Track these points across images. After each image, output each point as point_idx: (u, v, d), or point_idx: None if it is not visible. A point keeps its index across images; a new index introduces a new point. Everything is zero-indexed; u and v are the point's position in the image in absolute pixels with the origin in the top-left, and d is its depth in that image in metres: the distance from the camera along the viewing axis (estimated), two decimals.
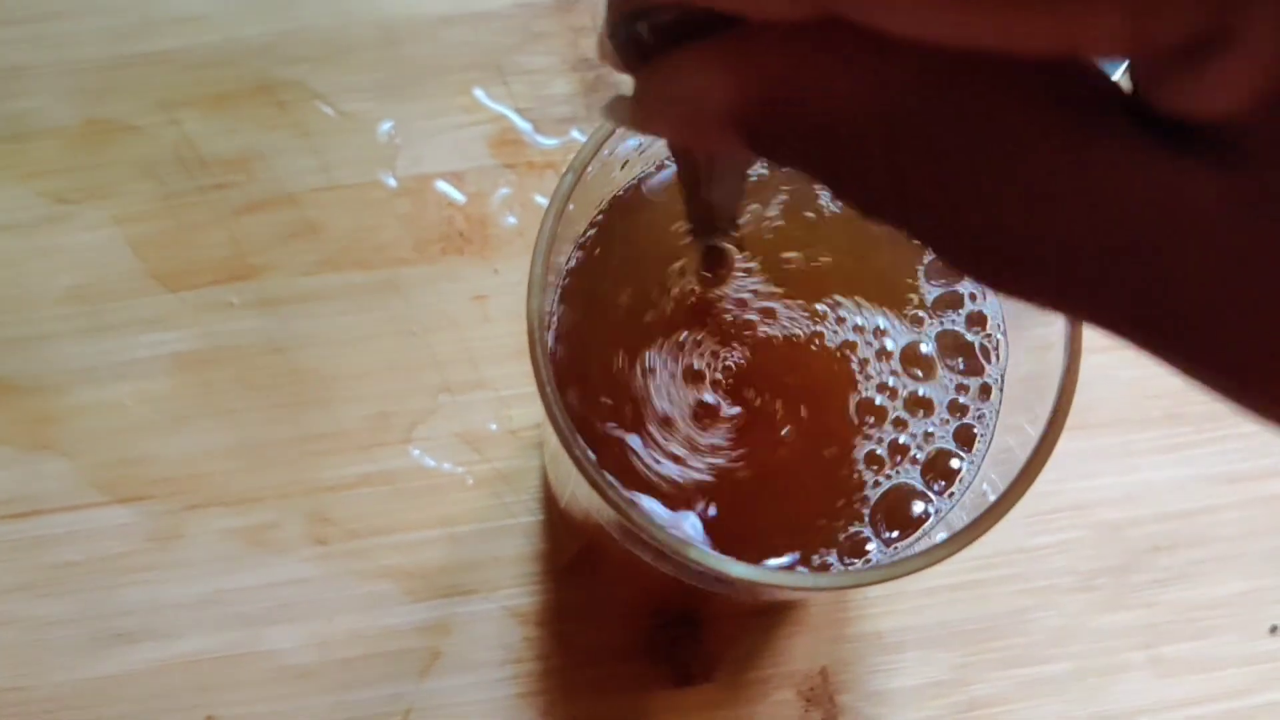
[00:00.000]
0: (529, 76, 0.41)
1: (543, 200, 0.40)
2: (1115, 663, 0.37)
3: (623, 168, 0.26)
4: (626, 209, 0.28)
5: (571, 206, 0.25)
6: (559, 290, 0.27)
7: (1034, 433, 0.24)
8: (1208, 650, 0.37)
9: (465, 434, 0.38)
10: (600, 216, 0.27)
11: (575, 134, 0.40)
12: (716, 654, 0.37)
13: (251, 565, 0.37)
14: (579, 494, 0.30)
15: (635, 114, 0.16)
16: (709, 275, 0.27)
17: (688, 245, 0.27)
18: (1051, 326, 0.25)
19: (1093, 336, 0.21)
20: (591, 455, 0.21)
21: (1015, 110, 0.12)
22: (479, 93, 0.41)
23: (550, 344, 0.25)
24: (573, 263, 0.27)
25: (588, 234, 0.27)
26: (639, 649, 0.37)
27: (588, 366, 0.26)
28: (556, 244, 0.25)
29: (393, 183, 0.40)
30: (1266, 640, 0.37)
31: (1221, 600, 0.38)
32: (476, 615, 0.37)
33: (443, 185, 0.40)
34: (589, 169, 0.25)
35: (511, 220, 0.39)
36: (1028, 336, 0.27)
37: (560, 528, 0.37)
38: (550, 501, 0.37)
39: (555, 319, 0.27)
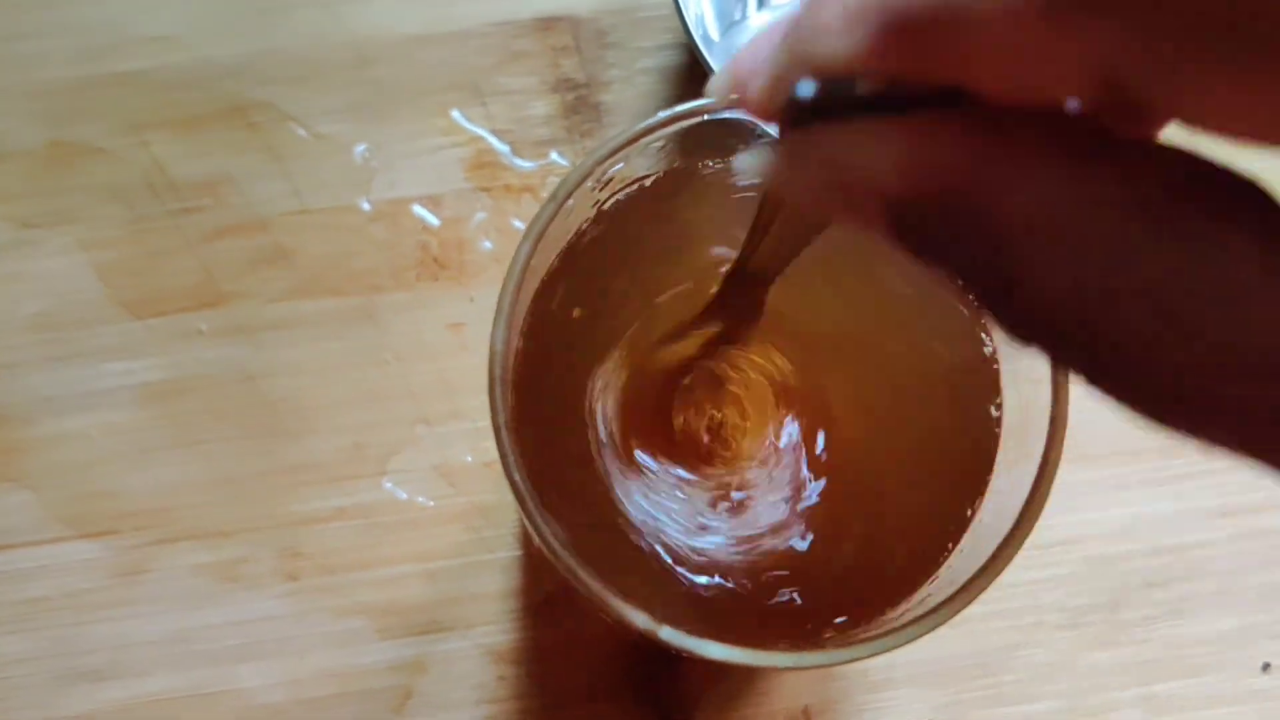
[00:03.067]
0: (508, 97, 0.40)
1: (520, 224, 0.39)
2: (1105, 701, 0.36)
3: (592, 206, 0.26)
4: (596, 243, 0.27)
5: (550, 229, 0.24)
6: (526, 327, 0.26)
7: (1027, 476, 0.24)
8: (1199, 688, 0.37)
9: (441, 466, 0.37)
10: (566, 254, 0.26)
11: (555, 156, 0.39)
12: (697, 693, 0.36)
13: (221, 601, 0.36)
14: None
15: (780, 167, 0.15)
16: (731, 326, 0.26)
17: (720, 290, 0.26)
18: (1038, 360, 0.24)
19: None
20: (549, 527, 0.20)
21: (1249, 254, 0.11)
22: (456, 114, 0.40)
23: (510, 382, 0.24)
24: (540, 297, 0.26)
25: (555, 271, 0.26)
26: (618, 688, 0.36)
27: (552, 404, 0.25)
28: (527, 279, 0.24)
29: (367, 207, 0.39)
30: (1259, 678, 0.37)
31: (1213, 637, 0.37)
32: (451, 653, 0.36)
33: (418, 209, 0.39)
34: (569, 201, 0.24)
35: (488, 245, 0.38)
36: (1016, 368, 0.26)
37: (537, 563, 0.36)
38: (527, 537, 0.36)
39: (519, 353, 0.26)
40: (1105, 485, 0.38)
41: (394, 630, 0.36)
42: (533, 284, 0.24)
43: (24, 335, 0.37)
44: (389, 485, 0.37)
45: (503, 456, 0.21)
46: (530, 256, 0.22)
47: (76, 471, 0.37)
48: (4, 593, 0.36)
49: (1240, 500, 0.38)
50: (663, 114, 0.23)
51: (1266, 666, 0.37)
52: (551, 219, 0.22)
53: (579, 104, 0.40)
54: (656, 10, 0.41)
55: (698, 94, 0.40)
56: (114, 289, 0.38)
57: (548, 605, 0.36)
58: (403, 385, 0.38)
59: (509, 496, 0.36)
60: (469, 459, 0.37)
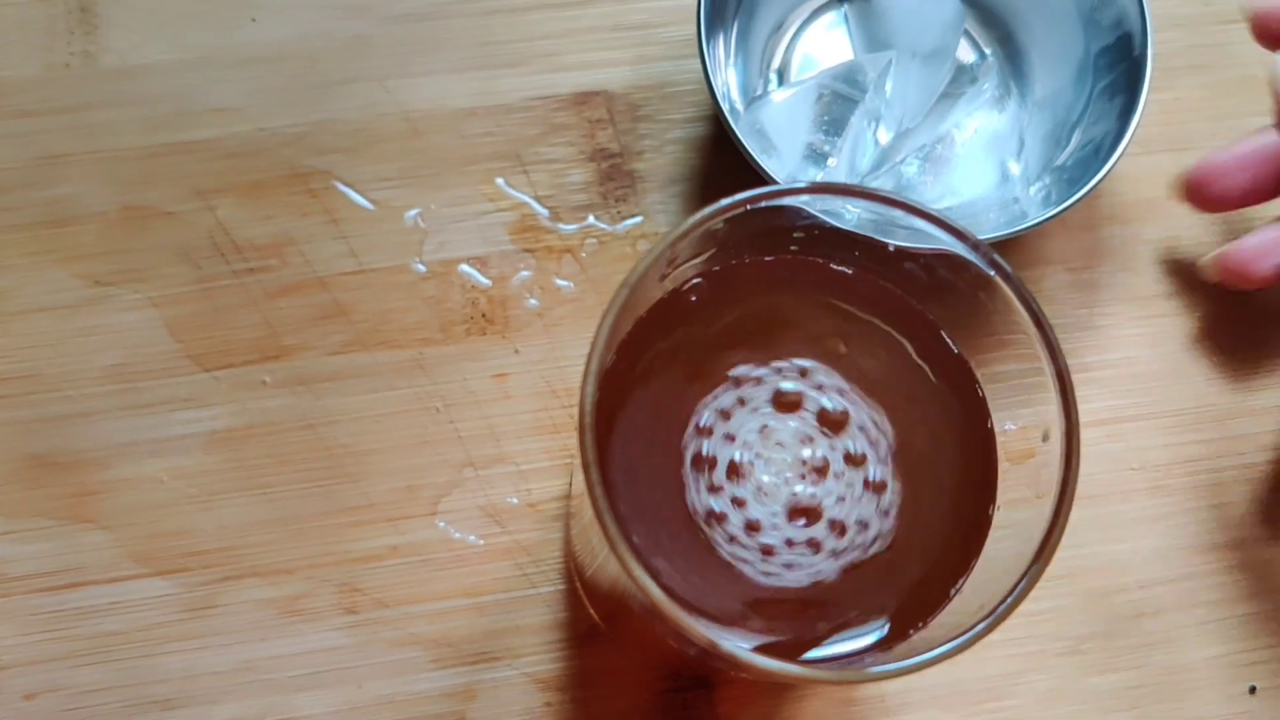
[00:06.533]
0: (548, 166, 0.43)
1: (562, 283, 0.42)
2: None
3: (661, 279, 0.29)
4: (663, 314, 0.30)
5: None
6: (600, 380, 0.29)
7: (1041, 511, 0.27)
8: (1191, 710, 0.40)
9: (488, 507, 0.40)
10: (640, 321, 0.29)
11: (592, 220, 0.43)
12: (729, 716, 0.38)
13: (284, 634, 0.38)
14: (608, 569, 0.32)
15: None
16: None
17: None
18: (1047, 407, 0.27)
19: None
20: (633, 553, 0.23)
21: None
22: (500, 181, 0.43)
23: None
24: (614, 358, 0.29)
25: (629, 333, 0.29)
26: (655, 713, 0.38)
27: (623, 453, 0.28)
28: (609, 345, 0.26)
29: (420, 267, 0.42)
30: (1246, 700, 0.40)
31: (1203, 663, 0.40)
32: (500, 681, 0.38)
33: (466, 269, 0.42)
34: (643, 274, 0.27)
35: (532, 302, 0.42)
36: (1019, 415, 0.29)
37: (583, 596, 0.39)
38: (572, 571, 0.39)
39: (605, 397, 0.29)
40: (1101, 523, 0.41)
41: (446, 660, 0.38)
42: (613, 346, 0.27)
43: (99, 385, 0.40)
44: (441, 524, 0.39)
45: (585, 464, 0.24)
46: (615, 323, 0.25)
47: (148, 513, 0.39)
48: (81, 627, 0.38)
49: (1226, 537, 0.41)
50: (728, 200, 0.26)
51: (1254, 689, 0.40)
52: (633, 287, 0.25)
53: (614, 171, 0.43)
54: (684, 86, 0.44)
55: (723, 161, 0.43)
56: (183, 343, 0.41)
57: (590, 636, 0.39)
58: (451, 431, 0.40)
59: (552, 535, 0.39)
60: (514, 500, 0.40)
